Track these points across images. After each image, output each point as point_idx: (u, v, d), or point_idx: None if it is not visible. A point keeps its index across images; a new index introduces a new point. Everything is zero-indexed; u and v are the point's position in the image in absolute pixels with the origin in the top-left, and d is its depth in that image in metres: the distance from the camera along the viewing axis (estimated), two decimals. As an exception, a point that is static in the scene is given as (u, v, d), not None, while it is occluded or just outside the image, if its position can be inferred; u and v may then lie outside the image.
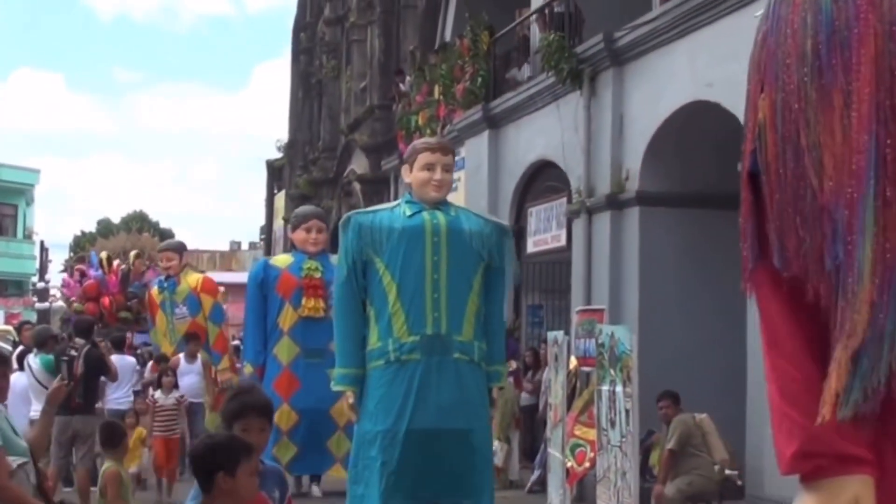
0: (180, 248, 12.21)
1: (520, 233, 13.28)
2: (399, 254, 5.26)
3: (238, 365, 11.00)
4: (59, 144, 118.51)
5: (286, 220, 30.87)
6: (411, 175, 5.48)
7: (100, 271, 18.51)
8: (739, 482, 9.00)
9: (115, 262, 18.62)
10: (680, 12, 10.24)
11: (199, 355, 11.03)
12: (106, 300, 17.75)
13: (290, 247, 8.06)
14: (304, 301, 7.10)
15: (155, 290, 11.93)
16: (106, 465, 6.64)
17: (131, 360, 11.92)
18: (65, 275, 27.06)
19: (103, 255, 19.61)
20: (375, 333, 5.29)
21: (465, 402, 5.25)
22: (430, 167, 5.35)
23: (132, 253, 19.79)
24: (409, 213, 5.36)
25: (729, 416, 9.16)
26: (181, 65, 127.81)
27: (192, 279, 11.74)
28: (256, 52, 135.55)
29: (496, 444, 9.47)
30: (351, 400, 5.39)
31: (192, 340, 11.05)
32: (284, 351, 7.10)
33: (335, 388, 5.58)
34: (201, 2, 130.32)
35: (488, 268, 5.43)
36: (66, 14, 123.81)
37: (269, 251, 32.58)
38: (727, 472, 8.70)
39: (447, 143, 5.78)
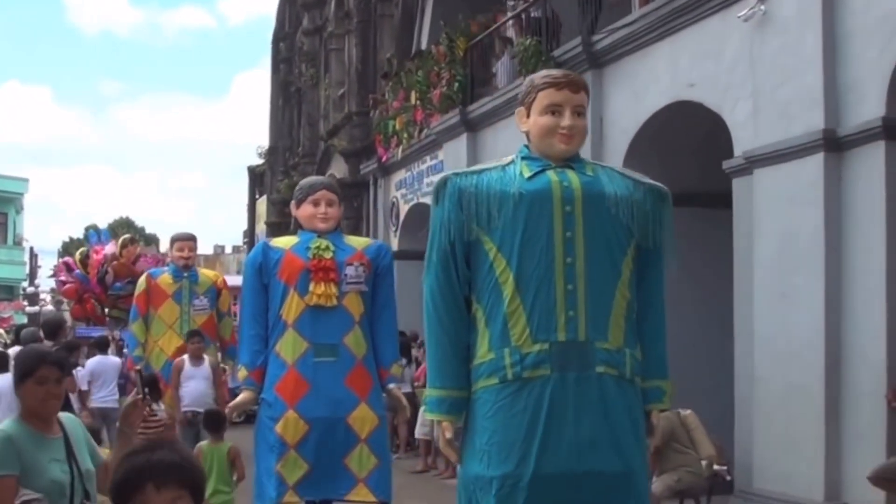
0: (195, 240, 10.94)
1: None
2: (517, 230, 3.72)
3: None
4: (47, 155, 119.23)
5: (268, 225, 30.85)
6: (528, 121, 3.89)
7: (79, 270, 18.06)
8: (728, 477, 9.03)
9: (106, 247, 17.92)
10: (660, 15, 10.27)
11: (206, 356, 9.71)
12: (89, 302, 17.35)
13: (295, 228, 6.41)
14: (311, 287, 5.71)
15: (167, 277, 10.44)
16: (231, 444, 7.52)
17: (116, 360, 11.83)
18: (53, 280, 26.88)
19: (77, 255, 19.01)
20: (486, 342, 3.76)
21: (615, 434, 3.72)
22: (555, 109, 3.81)
23: (121, 239, 18.90)
24: (528, 173, 3.80)
25: (717, 411, 9.20)
26: (164, 76, 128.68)
27: (210, 273, 11.10)
28: (237, 62, 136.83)
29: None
30: (448, 434, 3.82)
31: (195, 337, 9.72)
32: (289, 347, 5.71)
33: (428, 416, 4.05)
34: (183, 15, 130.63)
35: (640, 247, 3.99)
36: (52, 30, 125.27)
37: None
38: (715, 467, 8.74)
39: (577, 76, 4.07)
